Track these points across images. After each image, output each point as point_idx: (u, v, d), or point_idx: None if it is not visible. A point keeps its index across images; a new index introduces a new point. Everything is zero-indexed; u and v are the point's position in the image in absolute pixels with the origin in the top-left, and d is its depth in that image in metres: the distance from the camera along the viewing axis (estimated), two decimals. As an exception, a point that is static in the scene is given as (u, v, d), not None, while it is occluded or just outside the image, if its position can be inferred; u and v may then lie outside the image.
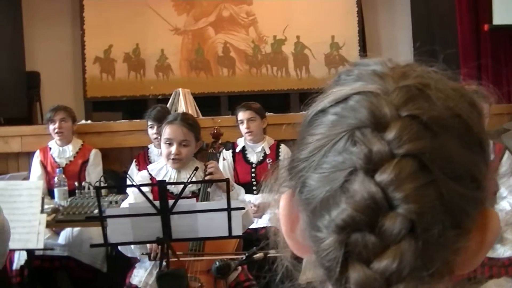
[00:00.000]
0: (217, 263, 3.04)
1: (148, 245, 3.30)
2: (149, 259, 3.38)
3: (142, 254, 3.49)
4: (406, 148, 0.67)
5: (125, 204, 3.56)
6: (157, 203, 2.81)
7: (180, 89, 6.20)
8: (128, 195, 4.09)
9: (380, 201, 0.66)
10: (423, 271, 0.67)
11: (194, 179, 3.41)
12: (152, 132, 5.02)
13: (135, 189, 3.31)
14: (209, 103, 7.94)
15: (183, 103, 6.05)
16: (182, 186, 3.29)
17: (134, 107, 8.72)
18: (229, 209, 2.85)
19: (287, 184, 0.83)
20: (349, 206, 0.68)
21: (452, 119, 0.71)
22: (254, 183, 4.98)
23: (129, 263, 4.08)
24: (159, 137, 3.88)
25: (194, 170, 3.34)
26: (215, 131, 3.97)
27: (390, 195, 0.66)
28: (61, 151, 5.35)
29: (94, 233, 4.60)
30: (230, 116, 6.40)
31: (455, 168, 0.69)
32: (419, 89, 0.72)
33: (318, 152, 0.74)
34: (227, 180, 3.05)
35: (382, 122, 0.69)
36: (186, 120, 3.72)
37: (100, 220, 2.91)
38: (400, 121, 0.69)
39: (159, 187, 2.85)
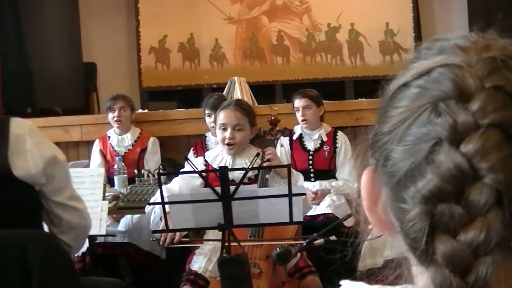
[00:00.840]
0: (278, 249, 3.03)
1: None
2: (158, 243, 3.42)
3: (152, 240, 3.53)
4: (491, 119, 0.67)
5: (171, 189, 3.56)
6: (218, 189, 2.82)
7: (235, 78, 6.21)
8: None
9: (466, 171, 0.67)
10: (511, 242, 0.67)
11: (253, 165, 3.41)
12: (209, 120, 5.03)
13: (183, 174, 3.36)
14: (263, 92, 7.95)
15: (239, 92, 6.06)
16: (239, 172, 3.30)
17: (189, 97, 8.78)
18: (290, 195, 2.83)
19: (369, 160, 0.83)
20: (435, 176, 0.68)
21: None
22: (312, 170, 4.96)
23: (188, 250, 4.11)
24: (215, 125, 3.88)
25: (256, 155, 3.33)
26: (273, 118, 3.96)
27: (476, 166, 0.66)
28: (120, 140, 5.42)
29: (153, 220, 4.65)
30: (287, 103, 6.40)
31: None
32: (503, 61, 0.72)
33: (402, 124, 0.74)
34: (288, 166, 3.04)
35: (466, 94, 0.70)
36: (239, 105, 3.73)
37: (162, 206, 2.92)
38: (484, 92, 0.69)
39: (221, 173, 2.85)
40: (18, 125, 2.22)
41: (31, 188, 2.23)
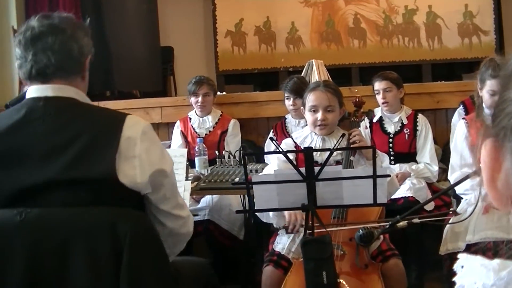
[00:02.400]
0: (361, 231, 3.02)
1: (286, 217, 3.32)
2: (286, 232, 3.41)
3: (280, 227, 3.52)
4: None
5: (267, 171, 3.59)
6: (302, 169, 2.81)
7: (313, 60, 6.18)
8: (267, 164, 4.13)
9: None
10: None
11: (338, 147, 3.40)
12: (289, 103, 5.03)
13: (280, 156, 3.34)
14: (340, 75, 7.90)
15: (317, 74, 6.02)
16: (326, 154, 3.29)
17: (265, 80, 8.83)
18: (374, 176, 2.81)
19: (490, 132, 0.81)
20: None
21: None
22: (392, 153, 4.91)
23: (268, 231, 4.13)
24: (300, 108, 3.86)
25: (341, 136, 3.32)
26: (357, 100, 3.92)
27: None
28: (201, 122, 5.47)
29: (233, 200, 4.69)
30: (365, 86, 6.34)
31: None
32: None
33: None
34: (373, 147, 3.02)
35: None
36: (329, 85, 3.70)
37: (246, 186, 2.94)
38: None
39: (306, 154, 2.84)
40: (131, 128, 2.19)
41: (137, 194, 2.23)
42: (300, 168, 2.83)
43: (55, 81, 2.19)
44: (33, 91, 2.20)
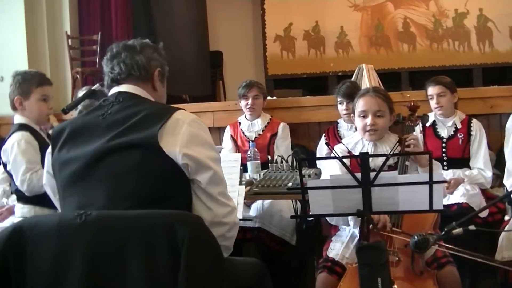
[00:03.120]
0: (416, 237, 2.99)
1: (375, 218, 3.31)
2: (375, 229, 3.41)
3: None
4: None
5: (325, 176, 3.59)
6: (358, 175, 2.80)
7: (363, 65, 6.16)
8: (319, 169, 4.12)
9: None
10: None
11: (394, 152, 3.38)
12: (342, 108, 5.01)
13: (337, 160, 3.34)
14: (389, 79, 7.86)
15: (367, 79, 6.00)
16: (378, 160, 3.27)
17: (314, 84, 8.84)
18: (431, 182, 2.78)
19: None
20: None
21: None
22: (445, 158, 4.86)
23: (320, 237, 4.12)
24: (351, 115, 3.85)
25: (397, 142, 3.31)
26: (412, 104, 3.89)
27: None
28: (250, 125, 5.51)
29: (284, 205, 4.69)
30: (416, 90, 6.29)
31: None
32: None
33: None
34: (429, 153, 2.99)
35: None
36: (378, 91, 3.70)
37: (302, 191, 2.94)
38: None
39: (361, 159, 2.83)
40: (183, 114, 2.46)
41: (180, 170, 2.37)
42: (356, 174, 2.82)
43: (126, 84, 2.62)
44: (113, 90, 2.62)
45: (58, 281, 2.13)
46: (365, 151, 3.55)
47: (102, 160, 2.37)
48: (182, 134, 2.38)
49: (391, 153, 3.16)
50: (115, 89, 2.61)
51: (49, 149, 2.55)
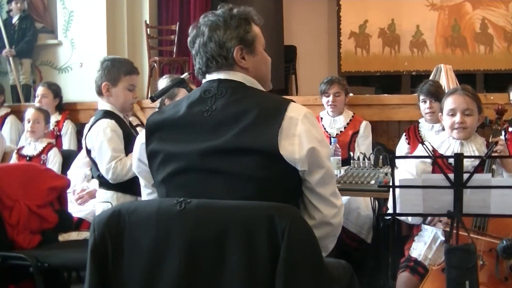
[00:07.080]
0: (504, 242, 2.96)
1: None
2: (424, 222, 3.41)
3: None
4: None
5: (401, 175, 3.54)
6: (451, 175, 2.78)
7: (441, 65, 6.08)
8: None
9: None
10: None
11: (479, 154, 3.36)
12: (424, 106, 4.96)
13: (417, 160, 3.36)
14: (464, 81, 7.67)
15: (445, 79, 5.93)
16: (471, 160, 3.25)
17: (387, 82, 8.77)
18: (525, 187, 2.75)
19: None
20: None
21: None
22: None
23: (398, 236, 4.10)
24: (438, 114, 3.82)
25: (493, 144, 3.29)
26: (499, 107, 3.85)
27: None
28: (333, 122, 5.52)
29: (362, 203, 4.69)
30: (492, 93, 6.19)
31: None
32: None
33: None
34: (523, 158, 2.96)
35: None
36: (467, 89, 3.70)
37: (392, 189, 2.93)
38: None
39: (455, 160, 2.81)
40: (294, 109, 2.31)
41: (295, 171, 2.31)
42: (448, 174, 2.80)
43: (222, 71, 2.44)
44: (208, 79, 2.46)
45: (157, 267, 2.15)
46: (451, 150, 3.53)
47: (212, 161, 2.29)
48: (298, 136, 2.27)
49: (487, 155, 3.12)
50: (215, 75, 2.44)
51: (143, 139, 2.44)
